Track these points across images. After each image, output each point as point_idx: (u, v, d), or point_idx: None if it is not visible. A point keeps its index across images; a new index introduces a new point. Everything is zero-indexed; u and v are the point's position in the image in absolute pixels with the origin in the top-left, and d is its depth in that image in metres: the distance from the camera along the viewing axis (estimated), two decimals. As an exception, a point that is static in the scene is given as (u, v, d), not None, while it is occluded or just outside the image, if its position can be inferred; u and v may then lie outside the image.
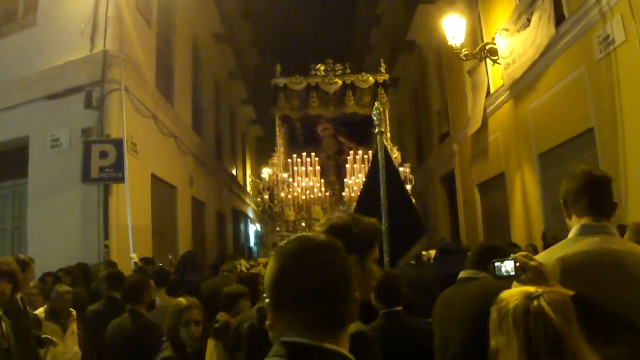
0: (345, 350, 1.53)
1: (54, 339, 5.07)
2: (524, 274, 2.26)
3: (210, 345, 4.59)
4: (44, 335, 4.99)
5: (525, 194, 11.20)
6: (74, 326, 5.76)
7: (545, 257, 2.45)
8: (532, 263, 2.27)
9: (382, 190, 5.71)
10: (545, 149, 10.30)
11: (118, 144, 9.77)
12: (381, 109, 6.41)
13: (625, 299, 2.23)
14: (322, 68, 14.88)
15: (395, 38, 23.39)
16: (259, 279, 6.05)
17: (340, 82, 14.69)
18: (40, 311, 5.52)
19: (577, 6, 8.61)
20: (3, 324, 3.36)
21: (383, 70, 15.44)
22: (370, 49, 29.58)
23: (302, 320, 1.50)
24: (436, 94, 18.91)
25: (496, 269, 2.34)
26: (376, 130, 6.12)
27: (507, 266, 2.31)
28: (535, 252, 7.81)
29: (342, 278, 1.56)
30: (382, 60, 16.29)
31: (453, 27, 11.57)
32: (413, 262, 7.76)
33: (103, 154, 9.71)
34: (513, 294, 1.94)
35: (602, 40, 8.00)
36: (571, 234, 2.54)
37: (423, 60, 20.31)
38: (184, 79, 15.86)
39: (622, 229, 5.87)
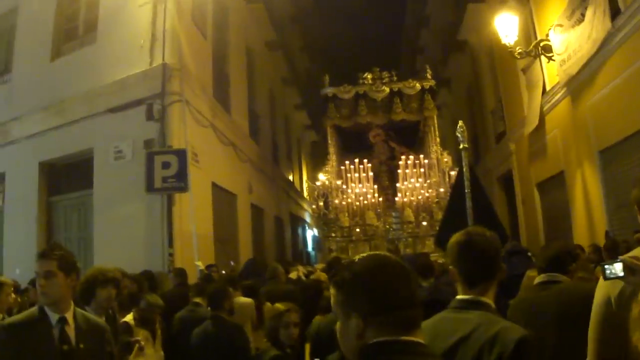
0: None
1: (142, 343, 5.28)
2: (632, 275, 2.32)
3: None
4: (132, 339, 5.20)
5: (587, 192, 11.01)
6: (159, 332, 6.01)
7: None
8: None
9: (467, 200, 6.23)
10: (607, 146, 10.12)
11: (180, 154, 10.03)
12: (464, 127, 7.01)
13: None
14: (369, 77, 15.28)
15: (445, 38, 23.27)
16: (322, 286, 6.21)
17: (387, 89, 15.10)
18: (129, 318, 5.75)
19: (632, -1, 8.50)
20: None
21: (429, 77, 15.74)
22: (421, 51, 29.52)
23: (390, 323, 1.66)
24: (490, 93, 18.74)
25: (606, 270, 2.40)
26: (461, 147, 6.77)
27: (616, 268, 2.37)
28: (599, 251, 7.73)
29: (416, 287, 1.77)
30: (427, 67, 16.57)
31: (506, 26, 11.51)
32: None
33: (165, 164, 9.96)
34: None
35: (661, 32, 7.89)
36: None
37: (475, 59, 20.17)
38: (240, 87, 16.13)
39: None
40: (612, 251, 6.23)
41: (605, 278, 2.41)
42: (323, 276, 8.24)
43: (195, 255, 9.89)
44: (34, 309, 3.44)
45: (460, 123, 7.23)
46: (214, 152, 12.63)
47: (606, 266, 2.42)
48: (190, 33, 11.76)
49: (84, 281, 4.40)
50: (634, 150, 9.25)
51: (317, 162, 31.63)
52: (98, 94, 11.01)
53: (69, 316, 3.40)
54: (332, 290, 1.80)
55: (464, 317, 2.41)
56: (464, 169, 6.65)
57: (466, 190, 6.46)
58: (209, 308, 5.67)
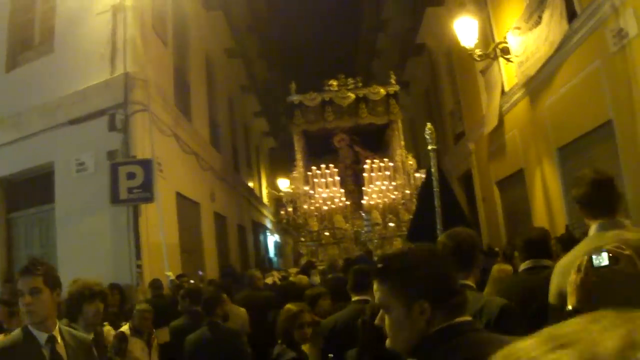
0: None
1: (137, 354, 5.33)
2: (617, 263, 2.45)
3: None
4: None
5: (547, 188, 11.28)
6: (155, 342, 6.03)
7: (575, 253, 2.92)
8: (626, 252, 2.46)
9: (436, 199, 6.51)
10: (565, 143, 10.38)
11: (146, 164, 9.91)
12: (432, 129, 7.11)
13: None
14: (334, 83, 15.57)
15: (403, 42, 23.56)
16: (300, 286, 6.45)
17: (353, 95, 15.46)
18: (125, 328, 5.76)
19: (588, 1, 8.72)
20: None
21: (393, 82, 16.11)
22: (378, 55, 29.77)
23: (454, 306, 1.84)
24: (448, 95, 19.02)
25: (594, 260, 2.51)
26: (429, 148, 6.88)
27: (603, 257, 2.49)
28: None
29: None
30: (392, 73, 16.87)
31: (465, 29, 11.71)
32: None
33: (130, 175, 9.82)
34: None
35: (615, 33, 8.10)
36: (591, 232, 2.96)
37: (433, 62, 20.45)
38: (200, 96, 16.08)
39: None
40: (567, 243, 6.41)
41: (593, 267, 2.50)
42: (305, 279, 8.33)
43: (165, 265, 9.81)
44: (17, 331, 3.28)
45: (429, 125, 7.31)
46: (177, 161, 12.54)
47: (594, 256, 2.52)
48: (151, 41, 11.65)
49: (69, 297, 4.30)
50: (591, 146, 9.55)
51: (276, 168, 31.72)
52: (57, 105, 10.76)
53: (56, 334, 3.26)
54: (379, 284, 1.88)
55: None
56: (433, 170, 6.81)
57: (435, 190, 6.63)
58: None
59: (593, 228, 2.96)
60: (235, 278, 11.16)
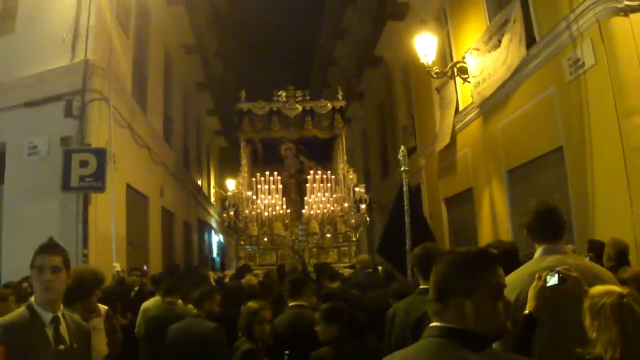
0: None
1: None
2: (565, 283, 2.88)
3: None
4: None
5: (494, 209, 11.53)
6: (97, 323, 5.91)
7: (519, 272, 3.26)
8: (574, 274, 2.90)
9: (406, 216, 7.48)
10: (515, 166, 10.66)
11: (99, 153, 9.82)
12: (405, 152, 8.35)
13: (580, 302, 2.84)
14: (283, 94, 15.95)
15: (361, 52, 23.76)
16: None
17: (300, 107, 15.80)
18: None
19: (547, 29, 9.00)
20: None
21: (340, 97, 16.40)
22: (335, 62, 29.95)
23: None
24: (403, 109, 19.27)
25: (548, 280, 2.90)
26: (402, 169, 8.16)
27: (555, 278, 2.89)
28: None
29: None
30: (339, 88, 17.13)
31: (424, 46, 11.92)
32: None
33: (83, 163, 9.72)
34: (603, 293, 2.70)
35: (572, 63, 8.38)
36: (536, 255, 3.34)
37: (390, 75, 20.71)
38: (157, 89, 15.95)
39: (593, 244, 6.27)
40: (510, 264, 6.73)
41: (547, 285, 2.89)
42: (253, 280, 8.41)
43: (114, 256, 9.72)
44: (22, 309, 3.29)
45: (402, 148, 8.48)
46: (130, 153, 12.41)
47: (548, 276, 2.90)
48: (113, 30, 11.50)
49: (78, 280, 4.27)
50: (540, 171, 9.83)
51: (226, 168, 31.55)
52: (13, 87, 10.56)
53: (60, 315, 3.32)
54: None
55: (425, 298, 3.09)
56: (404, 189, 7.87)
57: (405, 208, 7.56)
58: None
59: (538, 252, 3.34)
60: (179, 275, 11.11)
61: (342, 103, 16.42)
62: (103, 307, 5.54)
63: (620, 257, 5.20)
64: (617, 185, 7.48)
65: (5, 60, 10.85)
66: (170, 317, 6.14)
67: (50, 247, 3.35)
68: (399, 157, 8.34)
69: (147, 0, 14.32)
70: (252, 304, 5.03)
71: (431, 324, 2.02)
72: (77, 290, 4.23)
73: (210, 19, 25.58)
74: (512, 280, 3.07)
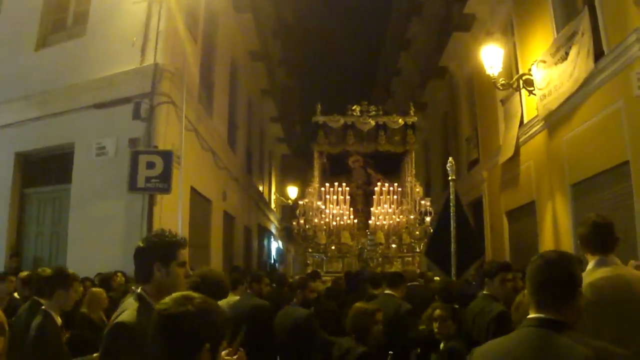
0: None
1: None
2: None
3: None
4: None
5: (556, 223, 11.33)
6: None
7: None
8: None
9: (452, 221, 8.35)
10: (579, 180, 10.46)
11: (166, 155, 10.08)
12: (453, 163, 9.35)
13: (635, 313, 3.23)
14: (357, 109, 16.38)
15: (425, 63, 23.71)
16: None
17: (373, 122, 16.28)
18: None
19: (616, 43, 8.81)
20: None
21: (412, 113, 16.86)
22: (398, 72, 29.90)
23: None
24: (466, 120, 19.13)
25: None
26: (450, 178, 9.10)
27: None
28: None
29: None
30: (411, 104, 17.67)
31: (491, 57, 11.83)
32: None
33: (150, 165, 9.99)
34: None
35: (641, 76, 8.23)
36: (589, 267, 3.54)
37: (454, 86, 20.58)
38: (223, 95, 16.25)
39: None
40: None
41: None
42: (320, 286, 8.64)
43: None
44: (131, 300, 3.06)
45: (450, 159, 9.38)
46: (195, 156, 12.67)
47: None
48: (182, 35, 11.80)
49: None
50: (604, 186, 9.61)
51: (286, 175, 31.86)
52: (84, 88, 10.98)
53: None
54: None
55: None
56: (451, 197, 8.64)
57: (451, 214, 8.36)
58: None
59: (591, 264, 3.55)
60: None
61: (414, 119, 16.86)
62: None
63: None
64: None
65: (77, 62, 11.29)
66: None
67: (186, 243, 3.28)
68: (447, 167, 9.27)
69: (216, 6, 14.64)
70: (360, 304, 5.06)
71: (530, 316, 2.44)
72: None
73: (276, 28, 25.94)
74: None
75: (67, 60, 11.49)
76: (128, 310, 2.96)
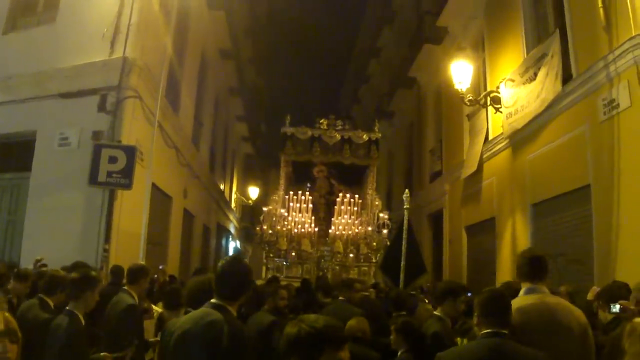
0: None
1: None
2: (625, 312, 4.36)
3: None
4: None
5: (515, 241, 11.44)
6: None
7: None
8: (631, 307, 4.39)
9: (403, 243, 10.20)
10: (540, 199, 10.58)
11: (129, 150, 9.91)
12: (408, 194, 11.07)
13: (552, 335, 3.77)
14: (325, 122, 17.10)
15: (394, 72, 23.83)
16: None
17: (339, 136, 17.00)
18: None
19: (585, 67, 8.93)
20: None
21: (376, 130, 17.55)
22: (367, 80, 30.05)
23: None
24: (431, 132, 19.28)
25: (612, 308, 4.52)
26: (405, 207, 10.73)
27: (617, 307, 4.46)
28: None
29: None
30: (376, 121, 18.43)
31: (460, 72, 11.93)
32: (414, 292, 10.33)
33: (112, 159, 9.81)
34: (638, 323, 3.59)
35: (607, 103, 8.32)
36: (520, 293, 4.09)
37: (421, 97, 20.71)
38: (190, 91, 16.11)
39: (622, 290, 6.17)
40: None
41: (610, 312, 4.59)
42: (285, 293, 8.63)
43: (140, 254, 9.86)
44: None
45: (406, 192, 11.14)
46: (158, 152, 12.38)
47: (611, 304, 4.54)
48: (153, 30, 11.66)
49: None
50: (565, 208, 9.74)
51: (249, 175, 31.69)
52: (50, 76, 10.76)
53: None
54: None
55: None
56: (405, 224, 10.49)
57: (404, 236, 10.22)
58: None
59: (522, 291, 4.09)
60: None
61: (379, 135, 17.52)
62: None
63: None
64: (642, 228, 7.43)
65: (44, 49, 11.05)
66: None
67: None
68: (403, 198, 10.93)
69: (189, 2, 14.47)
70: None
71: (484, 331, 3.47)
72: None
73: (248, 26, 25.82)
74: None
75: (35, 46, 11.23)
76: None
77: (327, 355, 2.46)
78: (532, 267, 4.09)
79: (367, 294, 9.63)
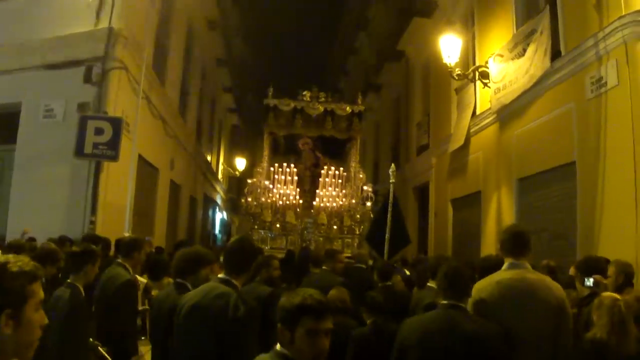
0: None
1: None
2: (598, 287, 4.76)
3: None
4: None
5: (500, 215, 11.53)
6: None
7: (488, 279, 4.10)
8: (604, 282, 4.84)
9: (388, 216, 10.17)
10: (526, 175, 10.65)
11: (115, 122, 9.89)
12: (394, 169, 10.94)
13: (528, 309, 3.86)
14: (307, 94, 16.88)
15: (383, 45, 23.67)
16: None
17: (322, 108, 16.74)
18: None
19: (574, 45, 8.93)
20: None
21: (359, 102, 17.43)
22: (355, 52, 29.87)
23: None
24: (419, 106, 19.23)
25: (585, 282, 4.88)
26: (390, 181, 10.69)
27: (590, 281, 4.84)
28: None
29: None
30: (359, 93, 18.29)
31: (449, 47, 11.85)
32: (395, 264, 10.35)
33: (98, 131, 9.79)
34: (606, 296, 3.91)
35: (595, 81, 8.35)
36: (503, 267, 4.14)
37: (409, 71, 20.62)
38: (177, 62, 16.00)
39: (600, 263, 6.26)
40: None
41: (584, 286, 4.93)
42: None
43: (126, 226, 9.84)
44: None
45: (392, 167, 11.01)
46: (144, 123, 12.40)
47: (585, 279, 4.89)
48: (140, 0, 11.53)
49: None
50: (550, 184, 9.82)
51: (235, 146, 31.60)
52: (34, 48, 10.62)
53: None
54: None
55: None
56: (390, 197, 10.42)
57: (389, 210, 10.21)
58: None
59: (505, 265, 4.14)
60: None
61: (361, 107, 17.37)
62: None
63: (626, 279, 5.28)
64: (625, 206, 7.49)
65: (29, 19, 10.88)
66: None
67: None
68: (389, 172, 10.84)
69: (176, -28, 14.33)
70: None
71: (442, 302, 3.77)
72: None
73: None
74: (481, 285, 4.07)
75: (19, 16, 11.03)
76: None
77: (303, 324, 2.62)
78: (515, 243, 4.16)
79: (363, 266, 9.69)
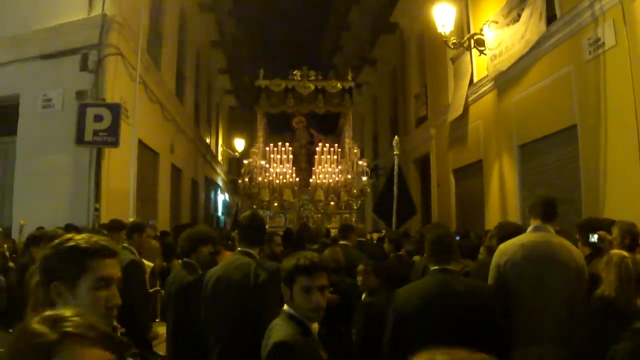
0: None
1: None
2: (602, 242, 4.71)
3: None
4: None
5: (503, 183, 11.56)
6: None
7: (512, 242, 4.34)
8: (608, 237, 4.72)
9: (395, 188, 10.67)
10: (526, 141, 10.65)
11: (114, 108, 9.89)
12: (398, 140, 11.48)
13: (550, 271, 4.10)
14: (298, 74, 17.37)
15: (376, 18, 23.56)
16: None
17: (312, 86, 17.22)
18: None
19: (569, 7, 8.88)
20: None
21: (350, 78, 17.83)
22: (348, 27, 29.69)
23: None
24: (415, 77, 19.17)
25: (590, 238, 4.82)
26: (395, 153, 11.15)
27: (595, 237, 4.78)
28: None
29: None
30: (349, 70, 18.72)
31: (443, 16, 11.82)
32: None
33: (98, 118, 9.80)
34: (615, 253, 3.88)
35: (592, 42, 8.32)
36: (528, 230, 4.42)
37: (404, 43, 20.54)
38: (171, 46, 15.95)
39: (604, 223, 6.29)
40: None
41: (589, 243, 4.84)
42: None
43: (130, 211, 9.86)
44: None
45: (396, 138, 11.53)
46: (143, 109, 12.36)
47: (590, 235, 4.83)
48: (131, -15, 11.47)
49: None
50: (552, 148, 9.83)
51: (234, 127, 31.54)
52: (29, 39, 10.59)
53: None
54: None
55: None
56: (395, 169, 10.87)
57: (395, 182, 10.63)
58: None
59: (530, 228, 4.41)
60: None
61: (352, 84, 17.79)
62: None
63: (632, 239, 5.31)
64: (629, 167, 7.49)
65: (21, 10, 10.82)
66: None
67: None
68: (393, 144, 11.29)
69: (166, -45, 14.24)
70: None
71: (433, 268, 3.90)
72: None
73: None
74: (505, 247, 4.34)
75: (13, 8, 10.97)
76: None
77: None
78: (545, 208, 4.40)
79: (364, 239, 9.73)
